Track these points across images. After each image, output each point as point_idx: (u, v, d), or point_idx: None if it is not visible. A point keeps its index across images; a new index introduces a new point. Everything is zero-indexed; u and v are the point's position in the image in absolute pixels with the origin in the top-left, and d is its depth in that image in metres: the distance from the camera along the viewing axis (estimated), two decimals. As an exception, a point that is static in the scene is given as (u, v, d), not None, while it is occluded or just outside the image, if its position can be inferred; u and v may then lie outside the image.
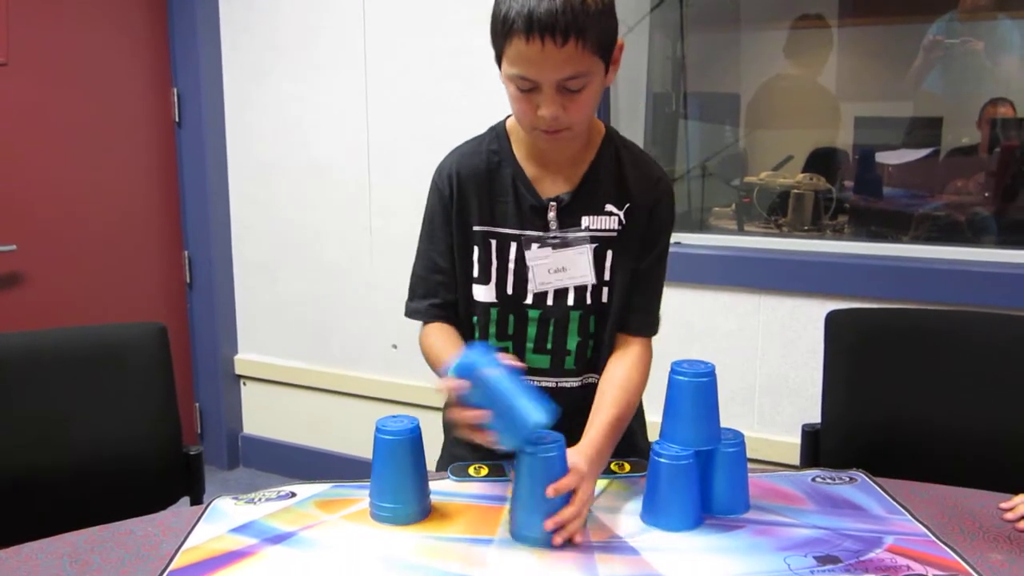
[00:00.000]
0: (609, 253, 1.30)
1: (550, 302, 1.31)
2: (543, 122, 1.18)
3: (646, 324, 1.35)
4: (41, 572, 1.04)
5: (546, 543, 1.09)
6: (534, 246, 1.29)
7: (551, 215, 1.29)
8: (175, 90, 3.03)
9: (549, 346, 1.33)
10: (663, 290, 1.37)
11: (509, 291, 1.31)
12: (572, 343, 1.33)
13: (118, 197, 2.92)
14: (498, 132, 1.34)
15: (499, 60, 1.18)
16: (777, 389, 2.38)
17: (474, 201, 1.31)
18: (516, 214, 1.30)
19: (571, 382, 1.35)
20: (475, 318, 1.34)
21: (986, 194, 2.75)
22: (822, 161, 3.05)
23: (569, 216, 1.29)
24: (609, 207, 1.30)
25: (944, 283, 2.16)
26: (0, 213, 2.54)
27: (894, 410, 1.55)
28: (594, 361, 1.35)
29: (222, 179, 3.11)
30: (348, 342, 3.00)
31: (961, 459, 1.48)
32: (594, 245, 1.30)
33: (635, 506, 1.19)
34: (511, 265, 1.30)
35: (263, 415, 3.24)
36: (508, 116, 1.32)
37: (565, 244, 1.29)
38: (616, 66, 1.22)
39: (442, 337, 1.32)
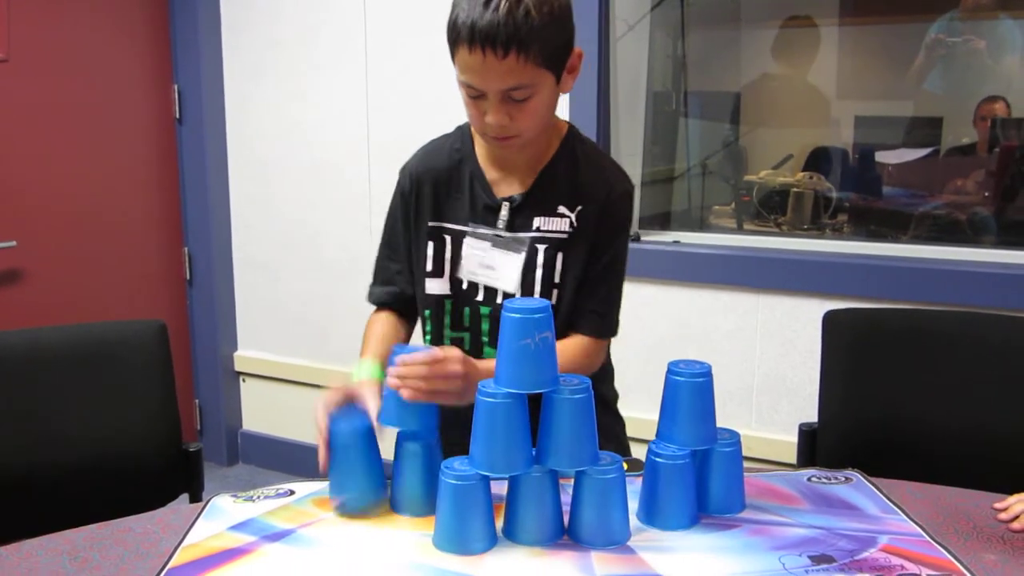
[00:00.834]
0: (560, 255, 1.30)
1: (499, 300, 1.31)
2: (490, 128, 1.20)
3: (598, 325, 1.32)
4: (41, 569, 1.05)
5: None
6: (474, 237, 1.31)
7: (503, 214, 1.30)
8: (176, 87, 3.04)
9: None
10: (621, 295, 1.35)
11: (464, 286, 1.33)
12: None
13: (118, 194, 2.92)
14: (463, 131, 1.37)
15: (454, 63, 1.20)
16: (775, 388, 2.39)
17: (431, 198, 1.34)
18: (470, 211, 1.32)
19: None
20: (428, 311, 1.36)
21: (985, 194, 2.76)
22: (822, 160, 3.05)
23: (521, 217, 1.30)
24: (561, 209, 1.30)
25: (942, 283, 2.16)
26: (0, 209, 2.54)
27: (891, 409, 1.56)
28: None
29: (222, 176, 3.11)
30: (347, 339, 2.99)
31: (957, 459, 1.49)
32: (544, 246, 1.29)
33: (632, 505, 1.20)
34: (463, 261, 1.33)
35: (262, 412, 3.25)
36: None
37: (500, 245, 1.30)
38: (573, 74, 1.23)
39: (379, 330, 1.39)
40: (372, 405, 1.19)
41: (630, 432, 1.49)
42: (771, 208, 2.88)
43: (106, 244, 2.88)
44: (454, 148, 1.35)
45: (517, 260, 1.30)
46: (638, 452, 1.31)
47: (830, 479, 1.29)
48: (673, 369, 1.17)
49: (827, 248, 2.41)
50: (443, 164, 1.35)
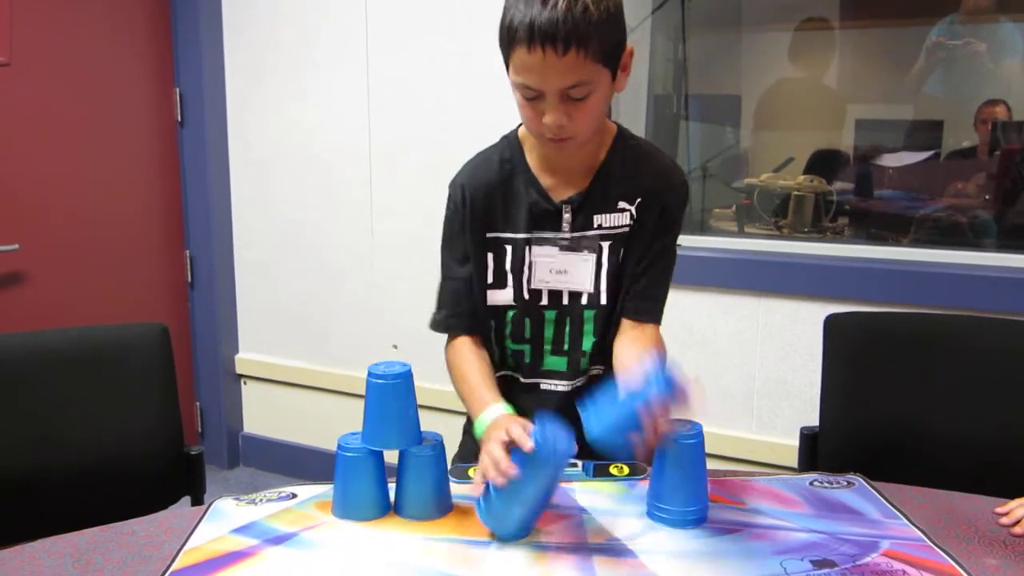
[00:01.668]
0: (623, 250, 1.32)
1: (565, 301, 1.32)
2: (548, 130, 1.19)
3: (656, 312, 1.35)
4: (44, 572, 1.05)
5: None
6: (540, 244, 1.31)
7: (566, 216, 1.30)
8: (177, 90, 3.04)
9: (566, 347, 1.34)
10: (670, 283, 1.37)
11: (526, 295, 1.33)
12: (587, 343, 1.34)
13: (120, 197, 2.92)
14: (510, 140, 1.35)
15: (507, 67, 1.19)
16: (776, 392, 2.39)
17: (487, 210, 1.32)
18: (529, 219, 1.31)
19: (580, 382, 1.37)
20: (492, 323, 1.35)
21: (986, 197, 2.76)
22: (823, 163, 3.06)
23: (583, 217, 1.31)
24: (622, 204, 1.31)
25: (943, 287, 2.16)
26: (2, 213, 2.55)
27: (892, 413, 1.56)
28: (602, 354, 1.36)
29: (224, 179, 3.11)
30: (349, 342, 3.01)
31: (958, 463, 1.49)
32: (608, 243, 1.31)
33: (634, 508, 1.20)
34: (527, 269, 1.32)
35: (264, 414, 3.25)
36: (520, 124, 1.34)
37: (571, 248, 1.30)
38: (626, 72, 1.23)
39: (470, 361, 1.32)
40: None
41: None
42: (772, 211, 2.88)
43: (108, 247, 2.88)
44: (504, 159, 1.33)
45: (590, 260, 1.30)
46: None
47: (832, 483, 1.29)
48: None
49: (828, 251, 2.41)
50: (495, 175, 1.33)
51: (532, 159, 1.33)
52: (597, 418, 1.07)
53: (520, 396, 1.35)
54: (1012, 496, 1.20)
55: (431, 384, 2.80)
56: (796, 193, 2.82)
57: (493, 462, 1.08)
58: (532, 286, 1.32)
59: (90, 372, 1.53)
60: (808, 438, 1.60)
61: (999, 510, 1.19)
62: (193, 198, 3.10)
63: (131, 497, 1.51)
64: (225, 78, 3.05)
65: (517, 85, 1.18)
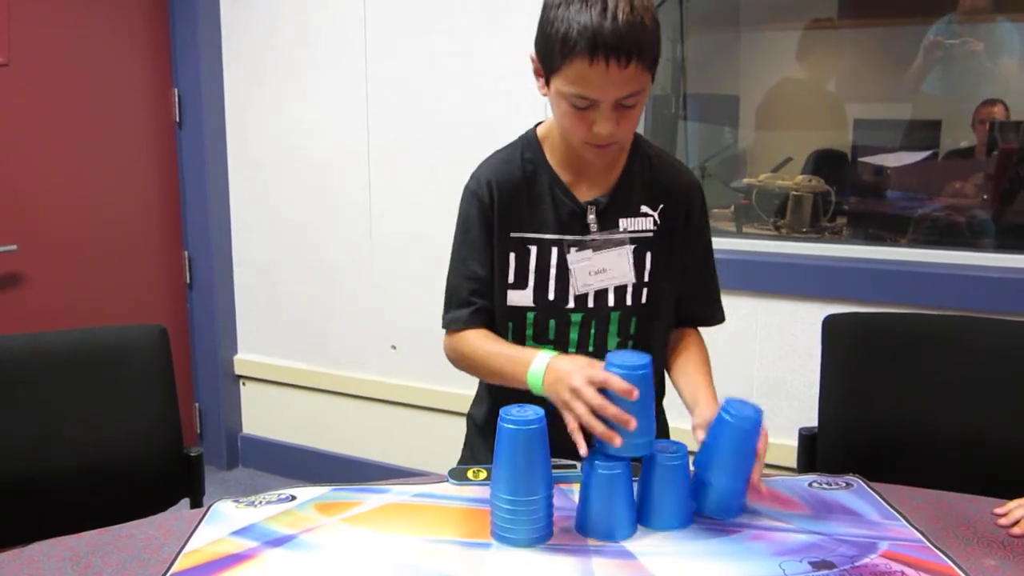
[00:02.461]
0: (648, 254, 1.33)
1: (591, 304, 1.33)
2: (597, 138, 1.19)
3: (711, 313, 1.42)
4: (43, 575, 1.05)
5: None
6: (573, 249, 1.31)
7: (591, 217, 1.31)
8: (176, 90, 3.04)
9: (591, 349, 1.34)
10: (719, 282, 1.43)
11: (550, 296, 1.32)
12: (612, 344, 1.35)
13: (119, 197, 2.92)
14: (529, 140, 1.35)
15: (549, 76, 1.19)
16: (775, 392, 2.39)
17: (512, 208, 1.32)
18: (555, 219, 1.31)
19: None
20: (510, 323, 1.34)
21: (984, 196, 2.76)
22: (821, 163, 3.06)
23: (607, 219, 1.31)
24: (644, 208, 1.33)
25: (942, 287, 2.17)
26: (1, 214, 2.54)
27: (891, 413, 1.56)
28: None
29: (222, 179, 3.11)
30: (347, 343, 3.01)
31: (957, 464, 1.49)
32: (633, 246, 1.32)
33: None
34: (552, 271, 1.31)
35: (262, 415, 3.25)
36: (537, 124, 1.35)
37: (605, 245, 1.31)
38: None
39: (491, 337, 1.32)
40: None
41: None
42: (771, 211, 2.88)
43: (106, 248, 2.88)
44: (525, 158, 1.33)
45: (625, 252, 1.32)
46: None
47: (831, 484, 1.29)
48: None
49: (826, 252, 2.41)
50: (518, 174, 1.32)
51: (553, 160, 1.32)
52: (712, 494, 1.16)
53: (545, 398, 1.34)
54: (1011, 497, 1.20)
55: (430, 385, 2.81)
56: (794, 193, 2.82)
57: (599, 407, 1.09)
58: (577, 292, 1.31)
59: (89, 373, 1.53)
60: (807, 438, 1.61)
61: (998, 511, 1.19)
62: (192, 199, 3.10)
63: (130, 499, 1.51)
64: (223, 79, 3.05)
65: (568, 95, 1.17)
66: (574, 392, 1.12)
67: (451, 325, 1.34)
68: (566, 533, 1.14)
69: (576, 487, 1.22)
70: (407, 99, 2.76)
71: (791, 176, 2.93)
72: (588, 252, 1.31)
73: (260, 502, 1.24)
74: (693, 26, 3.03)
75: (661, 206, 1.33)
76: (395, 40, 2.75)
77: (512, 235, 1.32)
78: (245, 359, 3.22)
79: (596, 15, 1.10)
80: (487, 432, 1.35)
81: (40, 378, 1.49)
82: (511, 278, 1.32)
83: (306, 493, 1.26)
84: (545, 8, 1.17)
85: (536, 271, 1.32)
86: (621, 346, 1.35)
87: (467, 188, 1.34)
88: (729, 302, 2.40)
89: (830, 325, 1.61)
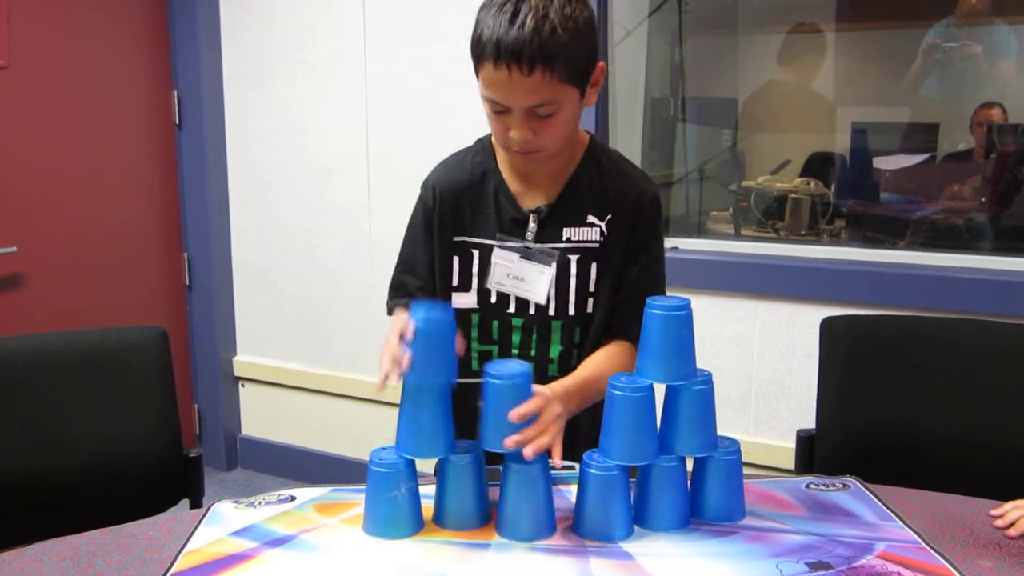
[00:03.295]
0: (594, 265, 1.31)
1: (532, 311, 1.32)
2: (514, 143, 1.20)
3: (635, 332, 1.31)
4: (45, 575, 1.05)
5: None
6: (502, 249, 1.31)
7: (531, 226, 1.30)
8: (175, 92, 3.04)
9: (533, 353, 1.34)
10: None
11: (493, 299, 1.33)
12: (555, 351, 1.34)
13: (118, 199, 2.93)
14: (484, 144, 1.36)
15: (477, 78, 1.20)
16: (773, 394, 2.40)
17: (456, 212, 1.33)
18: (497, 225, 1.31)
19: None
20: (474, 316, 1.36)
21: (982, 199, 2.77)
22: (819, 166, 3.07)
23: (550, 228, 1.31)
24: (591, 218, 1.31)
25: (939, 290, 2.17)
26: (1, 215, 2.55)
27: (888, 416, 1.57)
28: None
29: (222, 181, 3.12)
30: (346, 344, 3.01)
31: (954, 466, 1.49)
32: (576, 257, 1.31)
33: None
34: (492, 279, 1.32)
35: (261, 417, 3.25)
36: None
37: (530, 257, 1.30)
38: (596, 87, 1.23)
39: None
40: None
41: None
42: (769, 214, 2.89)
43: (106, 249, 2.88)
44: (476, 162, 1.34)
45: (547, 273, 1.30)
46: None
47: (828, 486, 1.30)
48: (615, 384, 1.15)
49: (825, 254, 2.42)
50: (466, 178, 1.34)
51: (503, 165, 1.33)
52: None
53: None
54: (1007, 499, 1.21)
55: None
56: (793, 196, 2.83)
57: (393, 357, 1.13)
58: (487, 286, 1.32)
59: (89, 375, 1.53)
60: (804, 440, 1.61)
61: (994, 512, 1.19)
62: (191, 201, 3.10)
63: (130, 500, 1.51)
64: (223, 81, 3.06)
65: (484, 98, 1.19)
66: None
67: (390, 311, 1.39)
68: (564, 534, 1.15)
69: (574, 487, 1.23)
70: (406, 101, 2.77)
71: (789, 179, 2.94)
72: (514, 256, 1.30)
73: (260, 503, 1.24)
74: (692, 29, 3.04)
75: (609, 216, 1.30)
76: (394, 42, 2.76)
77: (455, 239, 1.33)
78: (244, 360, 3.22)
79: (505, 21, 1.11)
80: None
81: (40, 379, 1.50)
82: (455, 281, 1.34)
83: (306, 494, 1.27)
84: (478, 10, 1.18)
85: (479, 275, 1.33)
86: (564, 355, 1.33)
87: (420, 191, 1.38)
88: (727, 304, 2.44)
89: (828, 327, 1.62)
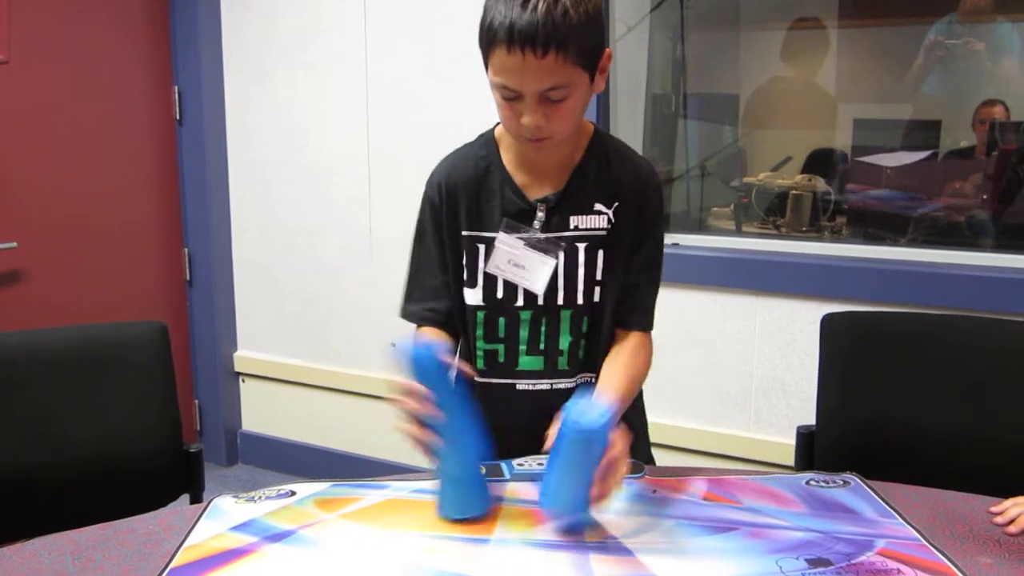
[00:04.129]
0: (601, 252, 1.32)
1: (540, 302, 1.32)
2: (526, 130, 1.20)
3: (645, 320, 1.36)
4: (44, 570, 1.05)
5: (581, 515, 1.12)
6: (509, 233, 1.30)
7: (539, 215, 1.30)
8: (176, 88, 3.04)
9: (542, 347, 1.34)
10: (659, 287, 1.38)
11: (499, 294, 1.33)
12: (564, 343, 1.34)
13: (119, 195, 2.93)
14: (487, 139, 1.36)
15: (486, 67, 1.20)
16: (773, 390, 2.40)
17: (462, 207, 1.33)
18: (503, 217, 1.31)
19: (566, 383, 1.36)
20: (467, 321, 1.36)
21: (983, 196, 2.77)
22: (821, 162, 3.06)
23: (558, 217, 1.31)
24: (598, 206, 1.31)
25: (940, 287, 2.17)
26: (1, 210, 2.55)
27: (889, 413, 1.57)
28: (588, 361, 1.36)
29: (222, 177, 3.12)
30: (347, 340, 3.02)
31: (954, 462, 1.49)
32: (584, 245, 1.31)
33: (630, 507, 1.20)
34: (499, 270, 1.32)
35: (262, 412, 3.25)
36: (497, 123, 1.34)
37: (535, 246, 1.30)
38: (604, 74, 1.23)
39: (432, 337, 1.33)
40: None
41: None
42: (770, 210, 2.89)
43: (106, 245, 2.88)
44: (480, 156, 1.34)
45: (549, 264, 1.30)
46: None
47: (828, 482, 1.30)
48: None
49: (826, 251, 2.42)
50: (471, 173, 1.33)
51: (508, 158, 1.33)
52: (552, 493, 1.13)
53: (496, 399, 1.34)
54: (1007, 495, 1.21)
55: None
56: (794, 192, 2.83)
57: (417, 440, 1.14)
58: (486, 269, 1.32)
59: (89, 370, 1.53)
60: (805, 437, 1.61)
61: (994, 509, 1.19)
62: (192, 196, 3.10)
63: (130, 494, 1.52)
64: (224, 76, 3.06)
65: (496, 85, 1.19)
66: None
67: (409, 318, 1.39)
68: (563, 530, 1.14)
69: None
70: (407, 97, 2.77)
71: (791, 175, 2.94)
72: (519, 243, 1.30)
73: (260, 498, 1.24)
74: (693, 25, 3.04)
75: (616, 203, 1.31)
76: (395, 38, 2.76)
77: (463, 234, 1.33)
78: (245, 356, 3.23)
79: (517, 6, 1.11)
80: None
81: (40, 375, 1.50)
82: (465, 276, 1.34)
83: (305, 489, 1.27)
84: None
85: (485, 270, 1.32)
86: (573, 345, 1.33)
87: (424, 188, 1.37)
88: (728, 300, 2.44)
89: (829, 324, 1.61)
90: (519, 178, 1.32)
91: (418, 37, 2.71)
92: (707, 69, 3.26)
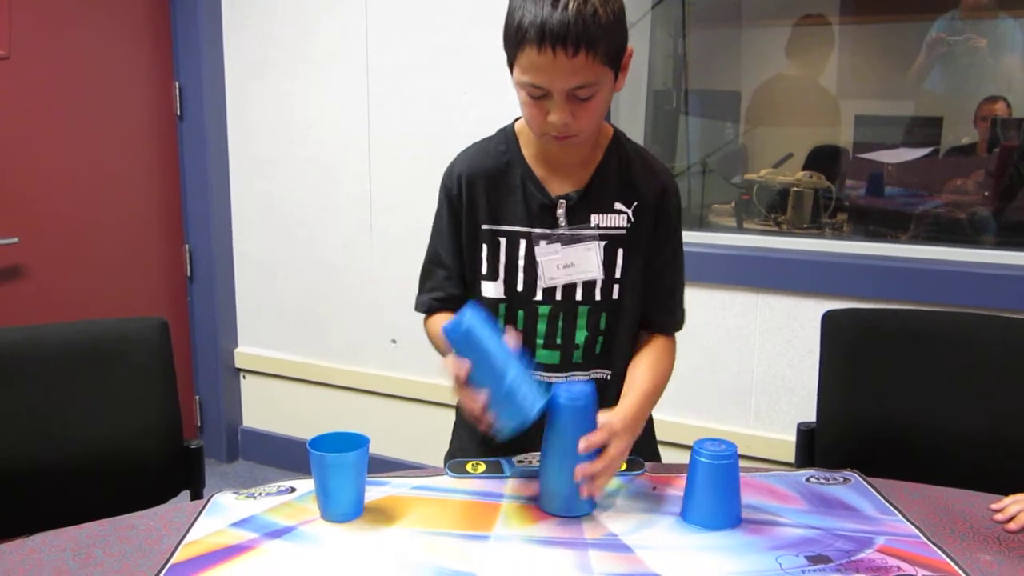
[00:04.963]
0: (620, 251, 1.32)
1: (559, 297, 1.33)
2: (553, 128, 1.20)
3: (673, 322, 1.39)
4: (45, 565, 1.05)
5: (570, 502, 1.15)
6: (543, 242, 1.31)
7: (560, 212, 1.31)
8: (177, 84, 3.04)
9: (559, 341, 1.35)
10: (684, 289, 1.41)
11: (519, 288, 1.33)
12: (580, 337, 1.35)
13: (120, 190, 2.92)
14: (507, 133, 1.36)
15: (511, 66, 1.20)
16: (774, 388, 2.40)
17: (483, 200, 1.33)
18: (525, 212, 1.31)
19: (579, 375, 1.37)
20: (501, 306, 1.35)
21: (985, 193, 2.76)
22: (822, 159, 3.06)
23: (578, 214, 1.31)
24: (618, 205, 1.32)
25: (941, 284, 2.17)
26: (1, 206, 2.55)
27: (889, 410, 1.57)
28: (603, 357, 1.36)
29: (223, 173, 3.11)
30: (347, 337, 3.02)
31: (954, 460, 1.50)
32: (604, 242, 1.32)
33: (630, 504, 1.21)
34: (521, 262, 1.32)
35: (262, 408, 3.26)
36: (517, 118, 1.34)
37: (574, 240, 1.31)
38: (625, 72, 1.24)
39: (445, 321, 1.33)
40: None
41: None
42: (771, 207, 2.88)
43: (107, 240, 2.88)
44: (500, 150, 1.34)
45: (593, 248, 1.31)
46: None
47: (828, 480, 1.30)
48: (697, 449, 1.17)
49: (827, 248, 2.42)
50: (491, 166, 1.34)
51: (528, 154, 1.33)
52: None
53: None
54: (1007, 493, 1.21)
55: (430, 378, 2.81)
56: (795, 189, 2.82)
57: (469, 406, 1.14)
58: (545, 285, 1.32)
59: (90, 366, 1.53)
60: (805, 434, 1.61)
61: (994, 506, 1.19)
62: (192, 192, 3.10)
63: (131, 491, 1.52)
64: (224, 72, 3.05)
65: (523, 84, 1.19)
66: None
67: (419, 308, 1.40)
68: (563, 526, 1.15)
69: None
70: (408, 93, 2.77)
71: (792, 172, 2.93)
72: (557, 245, 1.31)
73: (260, 494, 1.25)
74: (695, 22, 3.03)
75: (636, 204, 1.33)
76: (396, 34, 2.75)
77: (484, 227, 1.33)
78: (245, 352, 3.23)
79: (548, 5, 1.12)
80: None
81: (41, 370, 1.50)
82: (484, 269, 1.34)
83: (306, 485, 1.27)
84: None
85: (506, 263, 1.33)
86: (589, 340, 1.35)
87: (442, 179, 1.38)
88: (729, 297, 2.43)
89: (829, 321, 1.61)
90: (540, 174, 1.32)
91: (419, 32, 2.71)
92: (708, 65, 3.26)
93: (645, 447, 1.37)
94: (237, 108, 3.07)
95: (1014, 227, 2.66)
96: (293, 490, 1.26)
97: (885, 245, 2.41)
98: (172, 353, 1.59)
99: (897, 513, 1.19)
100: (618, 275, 1.33)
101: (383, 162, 2.85)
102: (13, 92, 2.56)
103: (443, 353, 1.29)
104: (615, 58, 1.19)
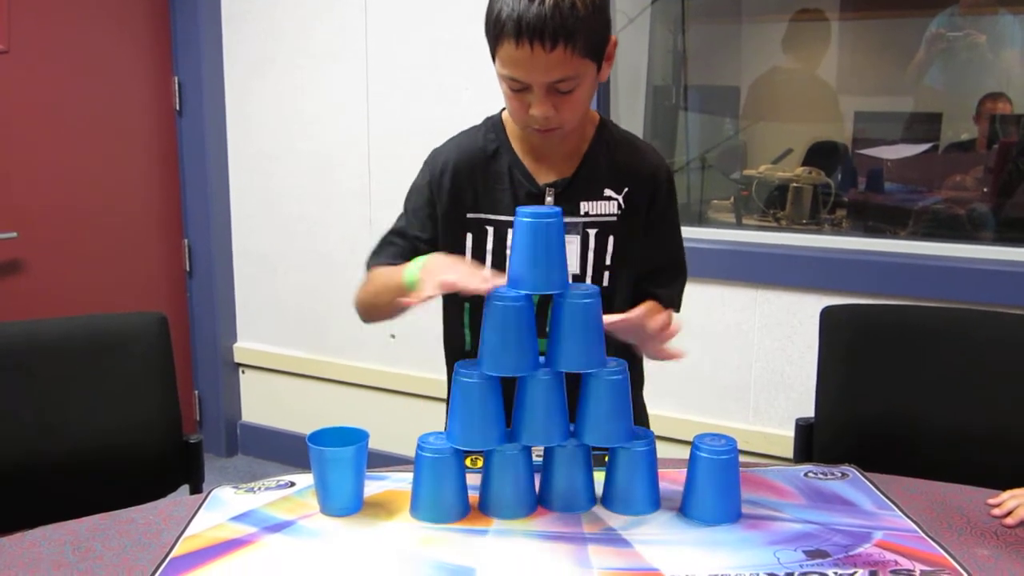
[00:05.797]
0: (611, 238, 1.32)
1: None
2: (535, 121, 1.20)
3: (669, 297, 1.37)
4: (44, 559, 1.06)
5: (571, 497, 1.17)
6: None
7: (548, 200, 1.30)
8: (176, 79, 3.04)
9: (548, 328, 1.34)
10: (686, 275, 1.40)
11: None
12: None
13: (119, 185, 2.92)
14: (494, 123, 1.36)
15: (493, 58, 1.20)
16: (772, 383, 2.40)
17: (469, 189, 1.33)
18: (512, 201, 1.31)
19: None
20: (466, 303, 1.35)
21: (984, 189, 2.76)
22: (821, 155, 3.06)
23: (567, 202, 1.31)
24: (608, 192, 1.32)
25: (940, 280, 2.17)
26: (1, 201, 2.55)
27: (887, 405, 1.57)
28: None
29: (222, 168, 3.11)
30: (346, 331, 3.02)
31: (952, 455, 1.50)
32: (594, 231, 1.31)
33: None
34: (508, 251, 1.30)
35: (262, 403, 3.26)
36: (503, 108, 1.34)
37: None
38: (610, 62, 1.24)
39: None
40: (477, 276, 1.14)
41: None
42: (770, 203, 2.88)
43: (106, 235, 2.88)
44: (488, 138, 1.34)
45: (574, 242, 1.30)
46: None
47: (826, 474, 1.30)
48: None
49: (826, 243, 2.42)
50: (479, 154, 1.33)
51: (516, 142, 1.33)
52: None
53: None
54: (1004, 487, 1.21)
55: (429, 373, 2.82)
56: (794, 185, 2.82)
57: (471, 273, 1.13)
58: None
59: (89, 361, 1.53)
60: (803, 429, 1.61)
61: (991, 501, 1.20)
62: (192, 187, 3.10)
63: (130, 485, 1.52)
64: (224, 68, 3.05)
65: (503, 77, 1.19)
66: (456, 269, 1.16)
67: (367, 267, 1.40)
68: (561, 520, 1.15)
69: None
70: (408, 88, 2.76)
71: (791, 168, 2.93)
72: None
73: (259, 488, 1.25)
74: (694, 17, 3.03)
75: (626, 189, 1.32)
76: (396, 29, 2.75)
77: (469, 216, 1.32)
78: (244, 347, 3.23)
79: None
80: None
81: (40, 365, 1.50)
82: (468, 258, 1.33)
83: (305, 480, 1.27)
84: None
85: (493, 252, 1.32)
86: None
87: (425, 161, 1.37)
88: (728, 293, 2.44)
89: (828, 316, 1.62)
90: (528, 163, 1.32)
91: (419, 27, 2.71)
92: (708, 61, 3.25)
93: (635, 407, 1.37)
94: (236, 104, 3.06)
95: (1013, 223, 2.66)
96: (292, 484, 1.26)
97: (884, 241, 2.41)
98: (171, 348, 1.59)
99: (895, 508, 1.19)
100: (608, 262, 1.32)
101: (382, 157, 2.85)
102: (12, 87, 2.55)
103: (370, 284, 1.34)
104: (596, 50, 1.18)
